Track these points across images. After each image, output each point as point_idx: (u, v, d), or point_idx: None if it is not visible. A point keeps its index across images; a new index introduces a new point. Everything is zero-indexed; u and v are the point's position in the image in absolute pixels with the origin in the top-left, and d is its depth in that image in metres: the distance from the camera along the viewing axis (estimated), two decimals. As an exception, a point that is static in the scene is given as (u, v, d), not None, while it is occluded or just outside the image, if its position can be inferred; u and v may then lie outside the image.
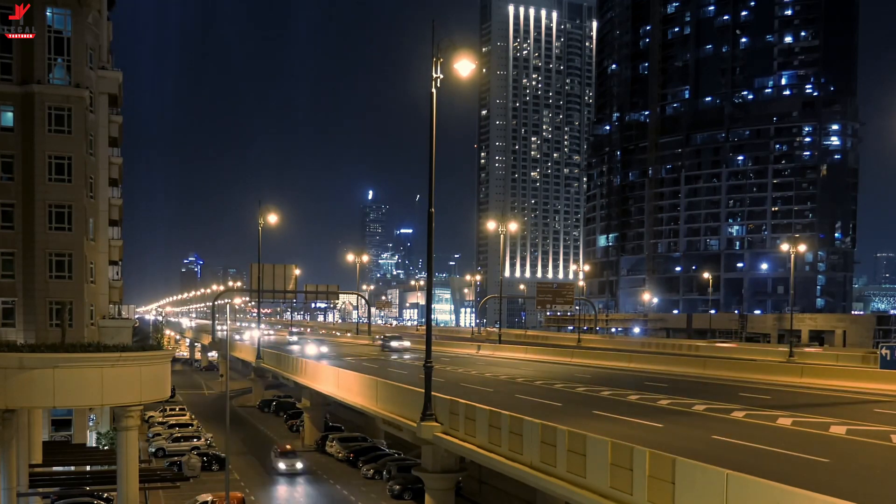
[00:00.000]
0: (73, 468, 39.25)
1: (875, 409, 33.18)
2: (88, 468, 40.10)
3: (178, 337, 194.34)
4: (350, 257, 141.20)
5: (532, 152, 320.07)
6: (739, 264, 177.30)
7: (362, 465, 53.00)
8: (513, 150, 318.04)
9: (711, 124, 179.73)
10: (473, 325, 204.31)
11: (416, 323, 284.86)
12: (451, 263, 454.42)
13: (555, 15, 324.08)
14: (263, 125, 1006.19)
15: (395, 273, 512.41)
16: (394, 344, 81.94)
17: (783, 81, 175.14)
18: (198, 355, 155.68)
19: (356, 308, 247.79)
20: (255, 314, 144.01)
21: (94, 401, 29.91)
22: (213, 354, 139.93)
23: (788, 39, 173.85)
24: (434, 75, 29.16)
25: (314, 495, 48.12)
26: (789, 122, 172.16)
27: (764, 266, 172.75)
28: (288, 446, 56.75)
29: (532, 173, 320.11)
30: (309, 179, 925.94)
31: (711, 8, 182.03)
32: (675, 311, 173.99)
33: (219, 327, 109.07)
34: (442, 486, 35.21)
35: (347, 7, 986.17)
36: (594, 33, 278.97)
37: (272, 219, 71.91)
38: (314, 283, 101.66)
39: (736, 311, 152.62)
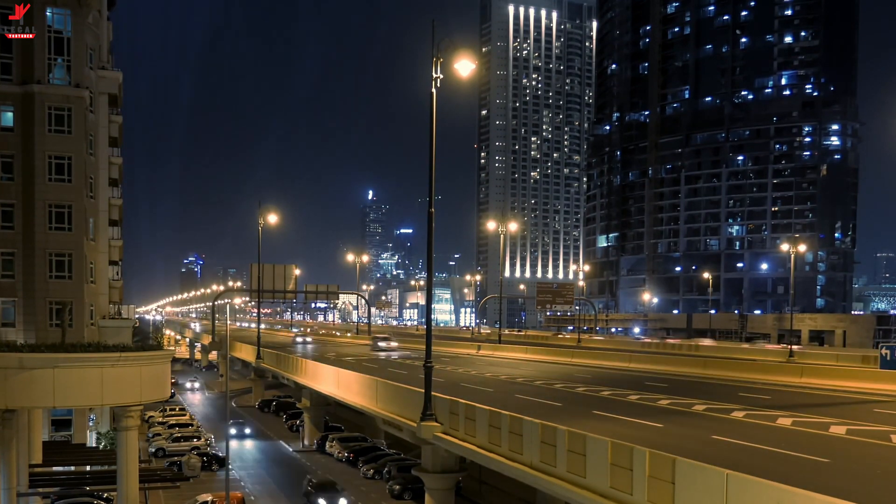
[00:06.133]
0: (73, 468, 39.25)
1: (875, 409, 33.15)
2: (88, 468, 40.09)
3: (177, 337, 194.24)
4: (350, 257, 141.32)
5: (532, 152, 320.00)
6: (739, 264, 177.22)
7: (362, 465, 53.00)
8: (513, 150, 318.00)
9: (711, 124, 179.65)
10: (473, 324, 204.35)
11: (416, 323, 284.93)
12: (451, 263, 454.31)
13: (555, 15, 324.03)
14: (264, 125, 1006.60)
15: (395, 273, 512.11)
16: (381, 344, 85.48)
17: (783, 81, 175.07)
18: (198, 355, 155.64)
19: (356, 308, 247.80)
20: (255, 314, 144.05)
21: (94, 401, 29.92)
22: (213, 354, 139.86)
23: (788, 39, 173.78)
24: (434, 75, 29.10)
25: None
26: (789, 122, 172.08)
27: (764, 266, 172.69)
28: (328, 477, 47.70)
29: (532, 173, 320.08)
30: (309, 179, 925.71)
31: (711, 8, 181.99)
32: (675, 311, 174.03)
33: (219, 325, 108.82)
34: (442, 486, 35.20)
35: (348, 7, 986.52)
36: (594, 33, 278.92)
37: (272, 219, 72.04)
38: (314, 283, 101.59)
39: (736, 311, 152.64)
